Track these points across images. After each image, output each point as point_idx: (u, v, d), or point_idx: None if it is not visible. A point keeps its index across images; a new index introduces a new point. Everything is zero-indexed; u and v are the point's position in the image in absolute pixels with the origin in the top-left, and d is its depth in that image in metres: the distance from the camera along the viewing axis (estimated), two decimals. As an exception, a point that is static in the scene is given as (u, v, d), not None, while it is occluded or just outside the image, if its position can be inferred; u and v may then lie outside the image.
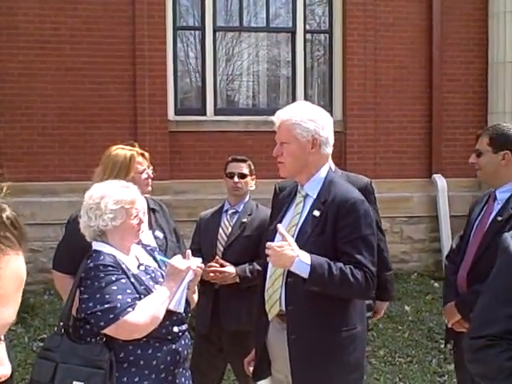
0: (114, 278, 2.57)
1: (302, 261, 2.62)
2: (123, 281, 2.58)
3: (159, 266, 2.83)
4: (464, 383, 3.53)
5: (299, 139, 2.78)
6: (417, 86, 8.00)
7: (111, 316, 2.50)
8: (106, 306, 2.52)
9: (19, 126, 7.29)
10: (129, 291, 2.56)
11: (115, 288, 2.54)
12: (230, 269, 3.81)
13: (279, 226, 2.69)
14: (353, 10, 7.79)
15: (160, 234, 3.58)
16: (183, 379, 2.75)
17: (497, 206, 3.37)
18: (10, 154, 7.26)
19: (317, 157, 2.82)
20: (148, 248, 2.93)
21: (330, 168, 2.94)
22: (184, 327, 2.77)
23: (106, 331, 2.54)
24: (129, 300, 2.54)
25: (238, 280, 3.82)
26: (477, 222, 3.44)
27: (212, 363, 3.95)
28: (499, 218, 3.30)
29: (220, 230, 4.00)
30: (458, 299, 3.36)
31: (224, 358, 3.99)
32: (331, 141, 2.87)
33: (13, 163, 7.19)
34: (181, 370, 2.73)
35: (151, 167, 3.59)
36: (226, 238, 3.97)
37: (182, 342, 2.73)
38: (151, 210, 3.60)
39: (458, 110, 8.09)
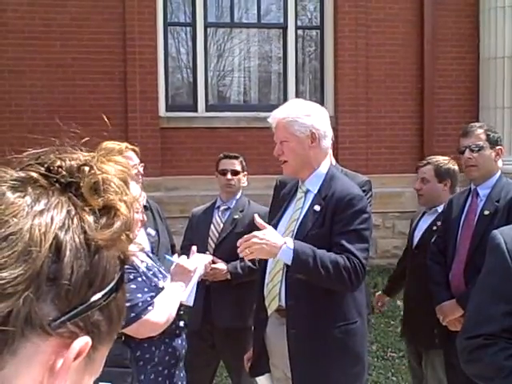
0: (131, 277, 2.52)
1: (288, 247, 2.62)
2: (139, 279, 2.55)
3: (154, 262, 2.81)
4: None
5: (298, 135, 2.80)
6: (408, 82, 8.00)
7: (133, 315, 2.45)
8: (128, 304, 2.48)
9: (9, 124, 7.24)
10: (146, 289, 2.54)
11: (134, 286, 2.50)
12: (221, 265, 3.79)
13: (255, 215, 2.72)
14: (344, 5, 7.77)
15: (152, 232, 3.57)
16: (182, 374, 2.77)
17: (480, 202, 3.43)
18: (0, 151, 7.20)
19: (317, 151, 2.84)
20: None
21: (331, 163, 2.94)
22: (183, 322, 2.79)
23: (125, 330, 2.47)
24: (148, 298, 2.51)
25: (229, 277, 3.80)
26: (462, 221, 3.48)
27: (204, 360, 3.93)
28: (486, 212, 3.35)
29: (212, 226, 3.99)
30: (461, 295, 3.32)
31: (216, 355, 3.98)
32: (329, 133, 2.90)
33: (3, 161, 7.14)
34: (182, 363, 2.76)
35: (142, 164, 3.56)
36: (217, 235, 3.95)
37: (183, 335, 2.76)
38: (143, 208, 3.58)
39: (449, 106, 8.09)
